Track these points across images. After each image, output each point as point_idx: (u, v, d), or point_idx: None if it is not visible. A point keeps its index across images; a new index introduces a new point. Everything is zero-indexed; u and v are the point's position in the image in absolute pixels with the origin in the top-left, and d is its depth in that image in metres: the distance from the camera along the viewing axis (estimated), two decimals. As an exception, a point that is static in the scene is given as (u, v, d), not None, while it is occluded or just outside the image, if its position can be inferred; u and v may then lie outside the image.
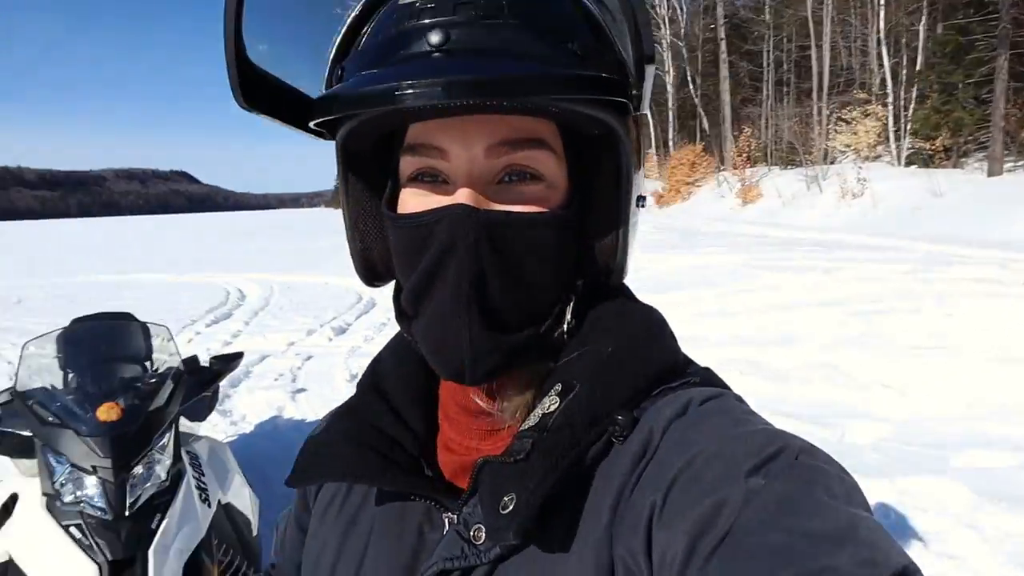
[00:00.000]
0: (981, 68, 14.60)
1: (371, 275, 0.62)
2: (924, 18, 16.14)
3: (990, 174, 13.84)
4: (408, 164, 0.53)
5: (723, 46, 28.38)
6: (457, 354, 0.51)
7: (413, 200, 0.53)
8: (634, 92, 0.50)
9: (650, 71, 0.48)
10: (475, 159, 0.50)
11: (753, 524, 0.38)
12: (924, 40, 16.06)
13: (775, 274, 8.11)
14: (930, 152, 15.88)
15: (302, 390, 5.54)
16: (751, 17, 29.34)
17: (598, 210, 0.55)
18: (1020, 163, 14.04)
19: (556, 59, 0.48)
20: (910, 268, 8.39)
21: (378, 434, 0.58)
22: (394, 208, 0.55)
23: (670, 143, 31.78)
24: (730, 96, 28.32)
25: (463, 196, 0.49)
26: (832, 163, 20.35)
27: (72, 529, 1.85)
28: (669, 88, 32.24)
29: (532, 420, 0.51)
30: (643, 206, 0.59)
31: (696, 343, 5.78)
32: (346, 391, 5.50)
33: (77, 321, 2.53)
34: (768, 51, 27.90)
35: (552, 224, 0.51)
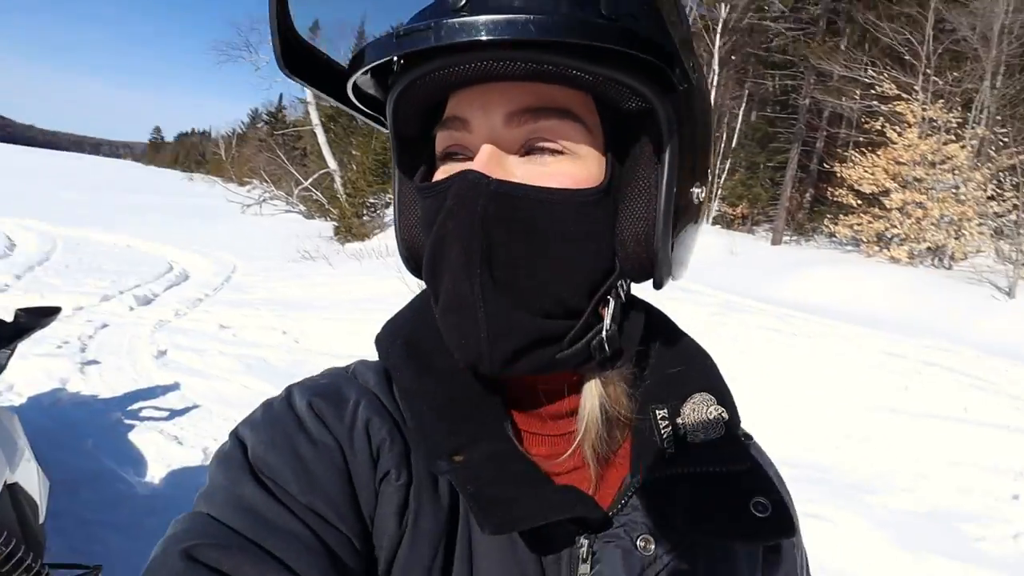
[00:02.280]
0: (778, 156, 17.26)
1: (416, 264, 0.56)
2: (743, 105, 18.68)
3: (773, 243, 16.27)
4: (440, 140, 0.51)
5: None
6: (472, 334, 0.46)
7: (441, 174, 0.51)
8: (683, 66, 0.46)
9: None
10: (495, 128, 0.47)
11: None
12: (740, 123, 18.54)
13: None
14: (731, 217, 18.31)
15: (93, 362, 4.76)
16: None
17: (636, 196, 0.50)
18: (795, 238, 16.71)
19: (579, 11, 0.44)
20: (711, 311, 9.56)
21: (519, 454, 0.51)
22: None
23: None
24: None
25: (477, 163, 0.47)
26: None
27: None
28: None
29: (717, 431, 0.53)
30: (700, 200, 0.54)
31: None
32: (153, 369, 4.85)
33: None
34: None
35: (572, 201, 0.47)
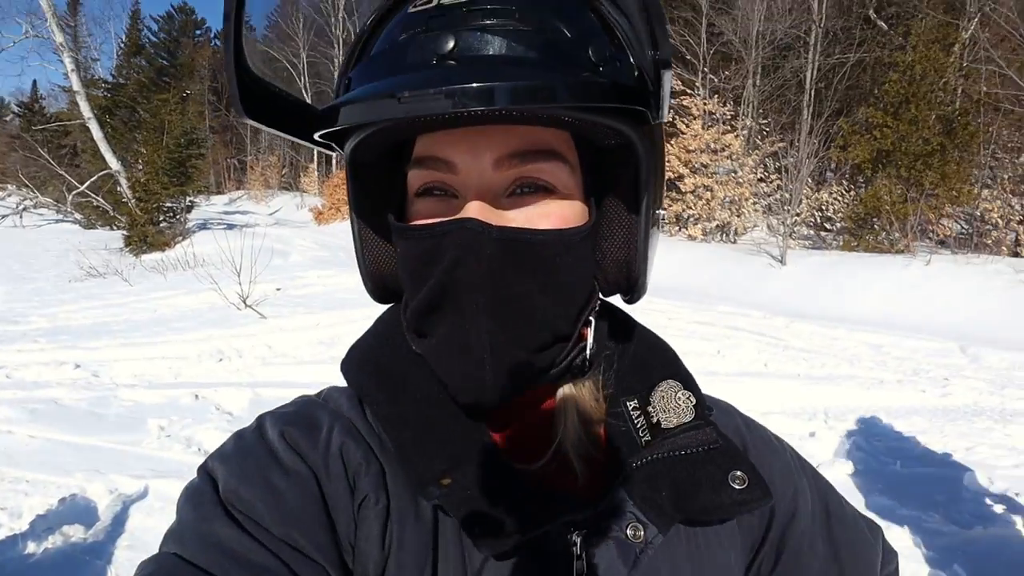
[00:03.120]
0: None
1: (383, 293, 0.60)
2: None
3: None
4: (416, 178, 0.51)
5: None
6: (476, 376, 0.48)
7: (422, 213, 0.51)
8: (652, 100, 0.48)
9: (667, 77, 0.47)
10: (484, 172, 0.48)
11: None
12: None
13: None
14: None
15: None
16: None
17: (615, 224, 0.54)
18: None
19: (570, 66, 0.47)
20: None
21: (504, 466, 0.50)
22: (403, 220, 0.53)
23: (334, 160, 31.45)
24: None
25: (473, 210, 0.47)
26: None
27: None
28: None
29: (687, 415, 0.54)
30: (663, 221, 0.58)
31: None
32: None
33: None
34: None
35: (566, 241, 0.50)
